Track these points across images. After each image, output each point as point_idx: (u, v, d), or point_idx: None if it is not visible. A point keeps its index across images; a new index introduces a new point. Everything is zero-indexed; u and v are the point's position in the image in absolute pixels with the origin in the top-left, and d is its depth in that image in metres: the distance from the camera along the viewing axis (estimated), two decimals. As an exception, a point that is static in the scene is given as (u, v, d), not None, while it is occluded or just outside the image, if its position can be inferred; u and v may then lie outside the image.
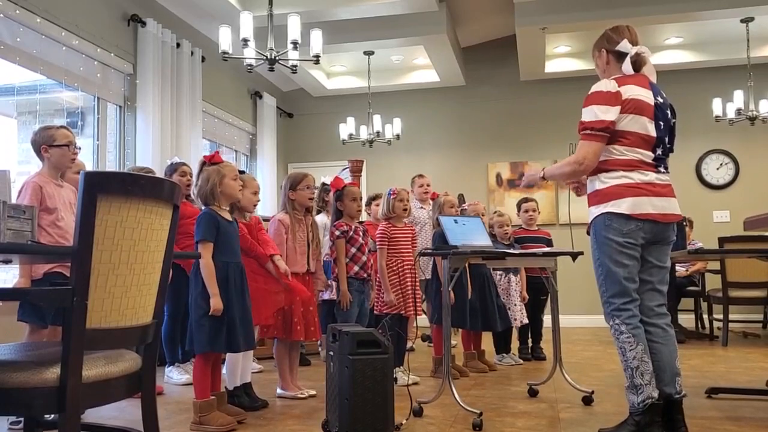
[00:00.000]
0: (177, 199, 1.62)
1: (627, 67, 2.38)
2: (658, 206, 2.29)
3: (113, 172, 1.62)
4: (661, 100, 2.39)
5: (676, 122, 2.46)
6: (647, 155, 2.32)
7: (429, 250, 3.11)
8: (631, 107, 2.29)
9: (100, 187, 1.40)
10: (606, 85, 2.31)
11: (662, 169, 2.36)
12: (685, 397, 2.36)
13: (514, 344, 4.48)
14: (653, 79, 2.42)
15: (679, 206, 2.38)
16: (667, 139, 2.38)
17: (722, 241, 4.95)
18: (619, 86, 2.30)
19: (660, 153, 2.35)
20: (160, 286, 1.63)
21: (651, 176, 2.30)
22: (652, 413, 2.26)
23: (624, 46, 2.38)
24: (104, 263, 1.43)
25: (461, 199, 6.51)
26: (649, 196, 2.28)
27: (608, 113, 2.27)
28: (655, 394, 2.27)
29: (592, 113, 2.30)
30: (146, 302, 1.58)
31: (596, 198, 2.35)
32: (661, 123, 2.35)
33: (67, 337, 1.37)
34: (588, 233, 2.41)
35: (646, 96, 2.33)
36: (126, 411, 2.85)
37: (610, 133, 2.29)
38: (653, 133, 2.32)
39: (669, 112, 2.41)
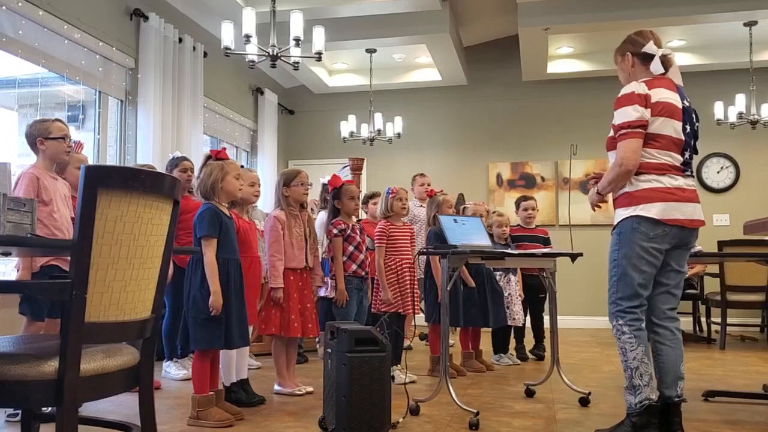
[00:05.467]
0: (177, 194, 1.62)
1: (656, 66, 2.37)
2: (686, 212, 2.29)
3: (114, 166, 1.61)
4: (687, 104, 2.40)
5: (700, 125, 2.47)
6: (677, 158, 2.32)
7: (429, 249, 3.10)
8: (662, 110, 2.29)
9: (100, 181, 1.40)
10: (636, 87, 2.31)
11: (689, 173, 2.36)
12: (685, 401, 2.36)
13: (512, 344, 4.48)
14: (678, 81, 2.42)
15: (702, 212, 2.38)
16: (692, 142, 2.39)
17: (721, 244, 4.96)
18: (648, 89, 2.30)
19: (687, 157, 2.36)
20: (159, 281, 1.63)
21: (680, 181, 2.31)
22: (649, 415, 2.27)
23: (650, 47, 2.39)
24: (104, 257, 1.43)
25: (461, 198, 6.52)
26: (677, 202, 2.28)
27: (641, 113, 2.27)
28: (653, 396, 2.28)
29: (625, 114, 2.29)
30: (145, 297, 1.58)
31: (626, 200, 2.33)
32: (688, 126, 2.36)
33: (65, 330, 1.37)
34: (612, 233, 2.39)
35: (675, 99, 2.34)
36: (123, 405, 2.85)
37: (645, 131, 2.28)
38: (682, 136, 2.33)
39: (694, 116, 2.42)
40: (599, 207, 2.54)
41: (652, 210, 2.26)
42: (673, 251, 2.34)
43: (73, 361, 1.37)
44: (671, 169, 2.30)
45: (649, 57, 2.39)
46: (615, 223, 2.38)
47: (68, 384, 1.35)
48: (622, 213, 2.34)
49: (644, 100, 2.28)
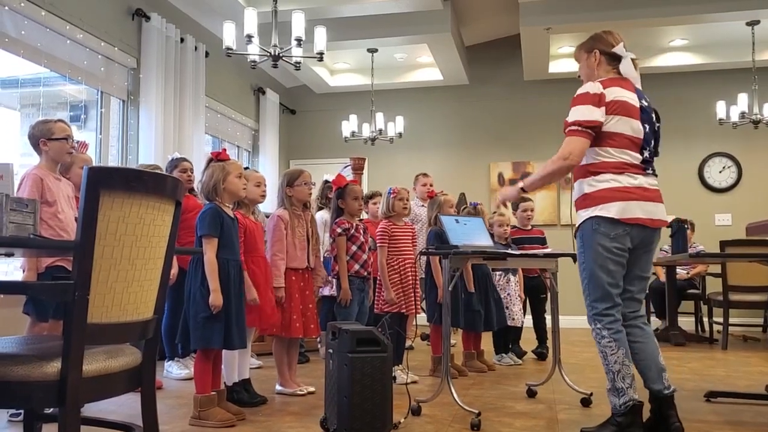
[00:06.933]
0: (179, 195, 1.62)
1: (627, 68, 2.39)
2: (647, 211, 2.30)
3: (116, 168, 1.62)
4: (646, 104, 2.41)
5: (661, 126, 2.48)
6: (635, 157, 2.33)
7: (431, 249, 3.10)
8: (617, 108, 2.31)
9: (102, 182, 1.40)
10: (591, 87, 2.34)
11: (650, 172, 2.37)
12: (675, 392, 2.37)
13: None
14: (638, 85, 2.43)
15: (666, 212, 2.40)
16: (653, 142, 2.40)
17: (723, 244, 4.94)
18: (603, 88, 2.32)
19: (647, 155, 2.36)
20: (161, 281, 1.63)
21: (641, 180, 2.32)
22: (633, 414, 2.29)
23: (620, 49, 2.41)
24: (106, 258, 1.43)
25: (462, 198, 6.51)
26: (638, 201, 2.29)
27: (595, 113, 2.29)
28: (636, 396, 2.30)
29: (578, 112, 2.32)
30: (147, 297, 1.58)
31: (585, 201, 2.35)
32: (647, 125, 2.36)
33: (68, 331, 1.37)
34: (575, 236, 2.42)
35: (631, 98, 2.35)
36: (125, 405, 2.86)
37: (596, 133, 2.31)
38: (640, 134, 2.34)
39: (654, 115, 2.43)
40: (505, 206, 2.54)
41: (611, 210, 2.27)
42: (637, 255, 2.35)
43: (76, 362, 1.37)
44: (629, 167, 2.31)
45: (617, 58, 2.41)
46: (577, 225, 2.39)
47: (71, 385, 1.36)
48: (583, 215, 2.35)
49: (599, 100, 2.29)
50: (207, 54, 5.55)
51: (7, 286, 1.82)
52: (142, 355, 1.62)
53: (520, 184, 2.48)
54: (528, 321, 4.56)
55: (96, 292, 1.41)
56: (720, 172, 6.82)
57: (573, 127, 2.32)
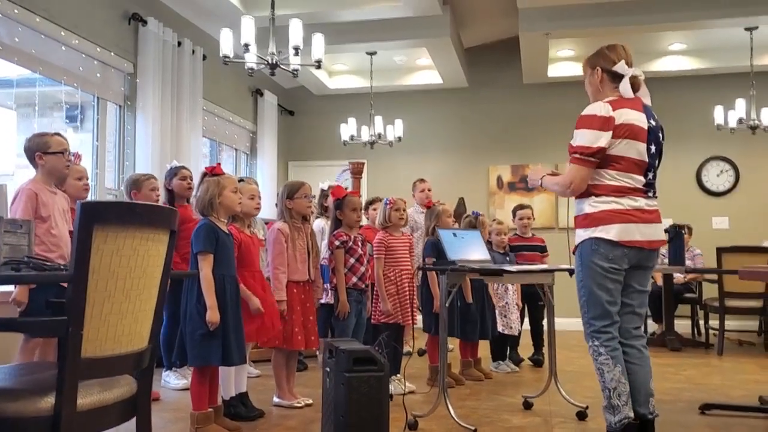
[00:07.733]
0: (173, 224, 1.62)
1: (626, 89, 2.35)
2: (645, 233, 2.30)
3: (109, 202, 1.62)
4: (654, 124, 2.38)
5: (664, 139, 2.47)
6: (638, 180, 2.32)
7: (429, 265, 3.10)
8: (626, 132, 2.28)
9: (96, 217, 1.39)
10: (600, 108, 2.29)
11: (651, 194, 2.36)
12: (657, 416, 2.39)
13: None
14: (647, 101, 2.41)
15: (663, 230, 2.43)
16: (657, 162, 2.39)
17: (720, 251, 4.95)
18: (613, 110, 2.28)
19: (650, 177, 2.35)
20: (155, 311, 1.63)
21: (641, 202, 2.31)
22: None
23: (621, 67, 2.35)
24: (100, 291, 1.42)
25: (461, 202, 6.51)
26: (637, 223, 2.29)
27: (600, 139, 2.26)
28: (631, 414, 2.32)
29: (584, 137, 2.29)
30: (142, 328, 1.58)
31: (585, 221, 2.35)
32: (653, 147, 2.35)
33: (61, 367, 1.37)
34: (573, 253, 2.42)
35: (640, 120, 2.32)
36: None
37: (600, 159, 2.29)
38: (646, 158, 2.32)
39: (660, 134, 2.41)
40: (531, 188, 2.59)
41: (611, 231, 2.27)
42: (633, 272, 2.36)
43: (70, 397, 1.37)
44: (631, 191, 2.30)
45: (619, 77, 2.36)
46: (576, 244, 2.40)
47: (65, 420, 1.36)
48: (582, 234, 2.36)
49: (607, 124, 2.25)
50: (204, 57, 5.52)
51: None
52: (137, 384, 1.61)
53: (540, 181, 2.52)
54: (525, 325, 4.58)
55: (90, 326, 1.41)
56: (718, 175, 6.82)
57: (577, 155, 2.30)
